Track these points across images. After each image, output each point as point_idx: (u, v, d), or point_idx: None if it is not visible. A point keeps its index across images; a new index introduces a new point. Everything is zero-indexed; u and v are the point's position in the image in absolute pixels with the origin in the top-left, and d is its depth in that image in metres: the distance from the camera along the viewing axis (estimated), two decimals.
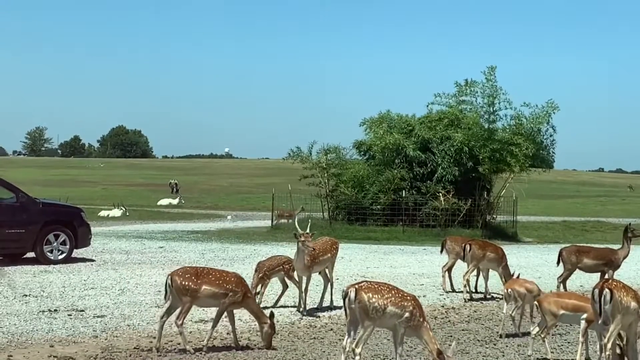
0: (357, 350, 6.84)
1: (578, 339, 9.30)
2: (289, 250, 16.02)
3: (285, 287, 11.15)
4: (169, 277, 8.18)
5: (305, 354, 8.23)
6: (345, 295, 6.93)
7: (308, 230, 10.33)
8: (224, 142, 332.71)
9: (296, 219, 11.40)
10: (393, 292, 7.05)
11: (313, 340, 8.95)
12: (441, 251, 13.69)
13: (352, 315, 6.91)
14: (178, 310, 8.18)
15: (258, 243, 21.83)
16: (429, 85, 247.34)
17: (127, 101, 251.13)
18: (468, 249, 12.30)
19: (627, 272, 16.05)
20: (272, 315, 8.50)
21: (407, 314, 6.97)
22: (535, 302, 8.46)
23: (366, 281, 7.24)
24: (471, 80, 27.40)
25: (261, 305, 10.74)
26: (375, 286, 7.03)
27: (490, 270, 12.85)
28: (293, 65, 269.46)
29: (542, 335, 8.19)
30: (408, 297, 7.11)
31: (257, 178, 72.61)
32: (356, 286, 6.96)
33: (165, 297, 8.33)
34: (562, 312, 8.14)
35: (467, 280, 12.39)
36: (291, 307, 10.90)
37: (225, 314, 8.53)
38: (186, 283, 8.08)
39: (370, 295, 6.85)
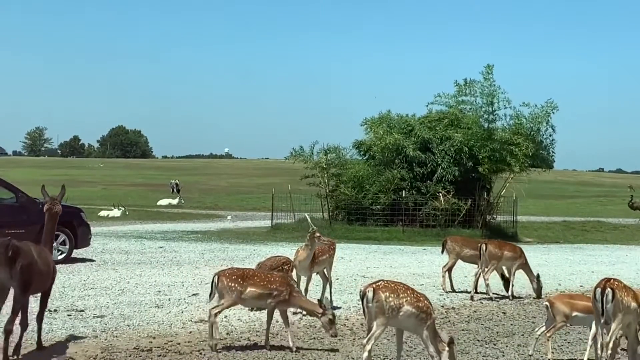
0: (367, 347, 6.90)
1: (578, 339, 9.34)
2: (289, 250, 16.02)
3: None
4: (216, 276, 8.31)
5: (305, 354, 8.22)
6: (363, 295, 7.02)
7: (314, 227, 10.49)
8: (224, 142, 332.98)
9: (309, 217, 11.42)
10: (408, 292, 7.13)
11: (313, 340, 8.93)
12: (442, 251, 13.68)
13: (370, 314, 6.99)
14: (218, 302, 8.28)
15: (258, 243, 21.82)
16: (429, 85, 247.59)
17: (127, 101, 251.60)
18: (484, 248, 12.30)
19: (627, 272, 16.05)
20: (319, 301, 8.61)
21: (422, 315, 7.02)
22: (546, 303, 8.40)
23: (383, 280, 7.29)
24: (470, 80, 27.44)
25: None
26: (392, 285, 7.11)
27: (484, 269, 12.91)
28: (293, 66, 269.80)
29: (548, 335, 8.15)
30: (421, 298, 7.18)
31: (257, 178, 72.58)
32: (374, 286, 7.05)
33: (210, 296, 8.46)
34: (575, 313, 8.09)
35: (487, 280, 12.39)
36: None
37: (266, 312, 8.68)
38: (232, 285, 8.19)
39: (388, 294, 6.95)
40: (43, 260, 7.89)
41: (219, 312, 8.30)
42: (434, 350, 7.06)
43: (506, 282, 12.71)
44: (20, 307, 7.61)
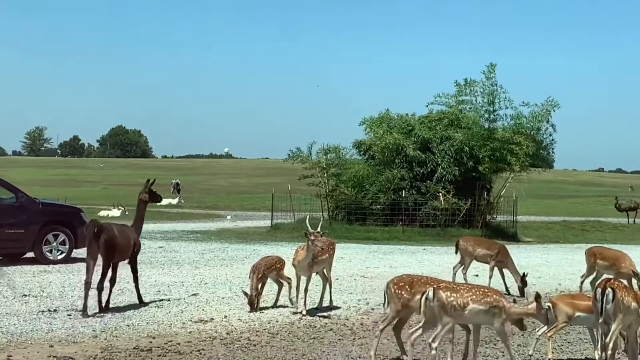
0: (434, 345, 7.10)
1: (578, 338, 9.34)
2: (288, 250, 16.01)
3: (280, 285, 11.16)
4: (387, 284, 8.11)
5: (305, 354, 8.21)
6: (424, 294, 7.27)
7: (319, 229, 10.30)
8: (224, 142, 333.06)
9: (307, 218, 11.39)
10: (473, 290, 7.35)
11: (313, 340, 8.93)
12: (456, 252, 13.70)
13: (429, 313, 7.18)
14: (389, 316, 8.05)
15: (258, 243, 21.81)
16: (429, 85, 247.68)
17: (127, 101, 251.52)
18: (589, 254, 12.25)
19: None
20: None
21: (494, 309, 7.22)
22: (549, 303, 8.37)
23: (445, 281, 7.57)
24: (471, 80, 27.39)
25: (260, 305, 10.78)
26: (454, 286, 7.41)
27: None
28: (293, 66, 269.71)
29: (549, 335, 8.13)
30: (489, 292, 7.38)
31: (257, 178, 72.57)
32: (434, 286, 7.32)
33: (383, 305, 8.22)
34: (577, 314, 8.06)
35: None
36: (291, 306, 10.87)
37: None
38: (400, 292, 7.96)
39: (449, 294, 7.19)
40: (123, 237, 10.53)
41: (385, 326, 7.98)
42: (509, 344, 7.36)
43: (523, 284, 12.62)
44: (107, 271, 10.24)
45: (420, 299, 7.28)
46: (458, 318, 7.24)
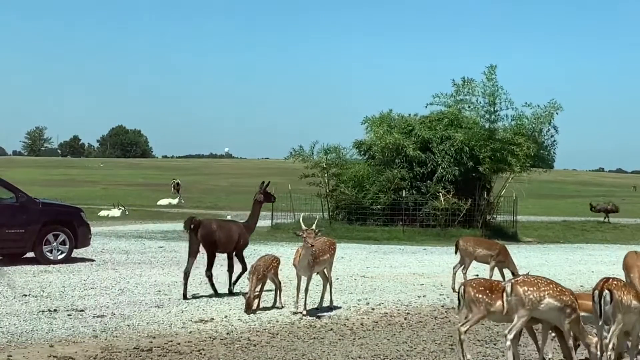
0: (509, 337, 7.22)
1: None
2: (289, 250, 16.01)
3: (276, 285, 11.16)
4: (462, 286, 7.94)
5: (305, 354, 8.22)
6: (502, 289, 7.42)
7: (314, 227, 10.24)
8: (224, 142, 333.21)
9: (301, 217, 11.43)
10: (551, 285, 7.42)
11: (313, 340, 8.93)
12: (455, 252, 13.68)
13: (509, 307, 7.30)
14: (465, 319, 7.84)
15: (258, 243, 21.78)
16: (430, 86, 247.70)
17: (127, 101, 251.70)
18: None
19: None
20: None
21: (567, 309, 7.30)
22: None
23: (527, 276, 7.65)
24: (468, 79, 27.30)
25: (260, 306, 10.78)
26: (532, 280, 7.47)
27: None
28: (293, 66, 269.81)
29: (553, 335, 8.12)
30: (567, 292, 7.44)
31: (257, 178, 72.00)
32: (512, 281, 7.47)
33: (458, 307, 8.04)
34: (582, 313, 8.04)
35: None
36: (291, 306, 10.87)
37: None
38: (480, 296, 7.75)
39: (526, 288, 7.27)
40: (223, 231, 11.66)
41: (468, 328, 7.82)
42: (572, 343, 7.40)
43: None
44: (212, 261, 11.58)
45: (503, 295, 7.39)
46: (534, 312, 7.31)
